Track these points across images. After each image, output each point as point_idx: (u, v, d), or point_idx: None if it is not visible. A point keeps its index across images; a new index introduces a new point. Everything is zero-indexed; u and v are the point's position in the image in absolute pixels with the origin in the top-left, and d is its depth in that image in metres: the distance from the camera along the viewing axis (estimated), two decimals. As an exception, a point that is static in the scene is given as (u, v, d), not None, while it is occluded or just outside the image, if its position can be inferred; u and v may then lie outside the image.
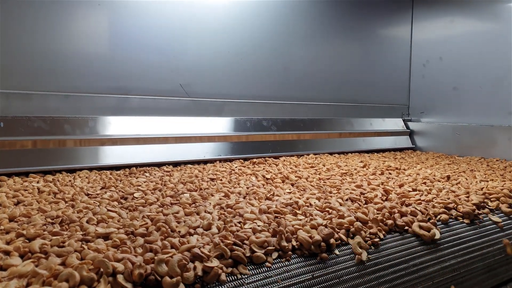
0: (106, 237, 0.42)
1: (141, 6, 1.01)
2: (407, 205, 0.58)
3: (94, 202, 0.56)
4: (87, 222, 0.46)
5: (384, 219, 0.51)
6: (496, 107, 1.17)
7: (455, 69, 1.30)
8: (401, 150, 1.38)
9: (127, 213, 0.51)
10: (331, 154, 1.20)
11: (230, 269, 0.38)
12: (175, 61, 1.06)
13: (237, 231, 0.44)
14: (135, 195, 0.62)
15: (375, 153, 1.27)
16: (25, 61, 0.88)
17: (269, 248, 0.41)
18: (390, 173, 0.88)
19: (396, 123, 1.42)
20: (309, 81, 1.28)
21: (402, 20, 1.47)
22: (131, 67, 1.01)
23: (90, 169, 0.86)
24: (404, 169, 0.94)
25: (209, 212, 0.52)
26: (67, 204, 0.55)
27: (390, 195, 0.64)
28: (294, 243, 0.43)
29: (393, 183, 0.75)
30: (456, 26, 1.30)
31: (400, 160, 1.11)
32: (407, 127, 1.43)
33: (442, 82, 1.35)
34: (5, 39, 0.85)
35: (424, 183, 0.77)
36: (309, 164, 0.99)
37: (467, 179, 0.82)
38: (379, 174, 0.86)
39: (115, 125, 0.96)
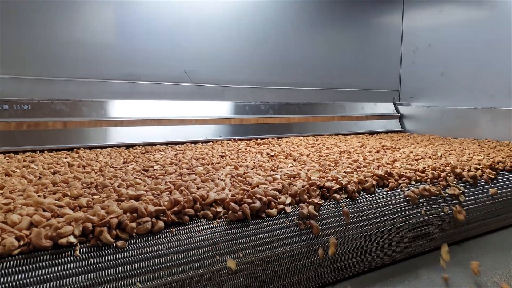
0: (137, 198, 0.47)
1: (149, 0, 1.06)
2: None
3: (120, 172, 0.61)
4: (118, 186, 0.52)
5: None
6: (479, 91, 1.23)
7: (442, 56, 1.35)
8: (391, 132, 1.43)
9: (151, 180, 0.56)
10: (326, 136, 1.25)
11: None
12: (180, 50, 1.11)
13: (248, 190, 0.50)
14: (155, 167, 0.67)
15: (374, 135, 1.32)
16: (48, 51, 0.93)
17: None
18: (385, 151, 0.93)
19: (387, 107, 1.48)
20: (304, 68, 1.33)
21: (394, 9, 1.51)
22: (140, 56, 1.06)
23: (107, 147, 0.92)
24: (399, 148, 0.99)
25: (222, 180, 0.58)
26: (97, 174, 0.61)
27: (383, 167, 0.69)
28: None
29: (388, 158, 0.80)
30: (444, 15, 1.35)
31: (396, 141, 1.17)
32: (398, 111, 1.49)
33: (431, 68, 1.40)
34: (31, 32, 0.90)
35: (416, 160, 0.82)
36: (310, 144, 1.05)
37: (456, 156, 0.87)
38: (375, 152, 0.92)
39: (127, 108, 1.01)
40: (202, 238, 0.41)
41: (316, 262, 0.46)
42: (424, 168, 0.68)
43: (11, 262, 0.33)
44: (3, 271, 0.32)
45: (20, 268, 0.33)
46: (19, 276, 0.32)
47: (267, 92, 1.25)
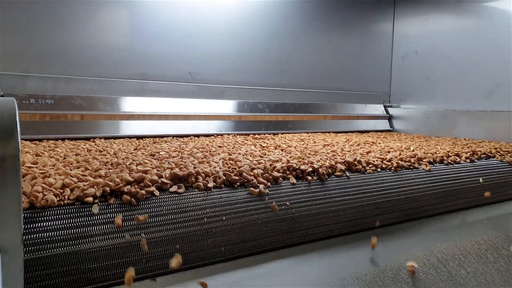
0: (144, 172, 0.58)
1: (158, 6, 1.17)
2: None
3: (131, 156, 0.72)
4: (130, 164, 0.63)
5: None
6: (459, 94, 1.32)
7: (428, 62, 1.45)
8: (381, 131, 1.53)
9: (156, 161, 0.67)
10: (318, 133, 1.36)
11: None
12: (186, 52, 1.22)
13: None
14: (161, 153, 0.78)
15: (363, 134, 1.42)
16: (68, 53, 1.05)
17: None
18: (364, 145, 1.03)
19: (377, 109, 1.58)
20: (300, 71, 1.44)
21: (386, 17, 1.61)
22: (150, 58, 1.17)
23: (120, 137, 1.03)
24: (379, 143, 1.09)
25: (215, 162, 0.68)
26: (111, 156, 0.72)
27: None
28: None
29: (363, 150, 0.90)
30: (429, 24, 1.45)
31: (381, 139, 1.26)
32: (387, 112, 1.58)
33: (418, 72, 1.49)
34: (54, 36, 1.02)
35: (388, 152, 0.92)
36: (301, 139, 1.15)
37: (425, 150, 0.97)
38: (356, 145, 1.02)
39: (138, 104, 1.12)
40: (193, 204, 0.51)
41: (284, 228, 0.56)
42: (391, 158, 0.78)
43: (52, 211, 0.44)
44: (47, 218, 0.43)
45: (58, 216, 0.44)
46: (58, 222, 0.43)
47: (264, 92, 1.35)
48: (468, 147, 0.99)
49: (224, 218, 0.52)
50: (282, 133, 1.29)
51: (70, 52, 1.05)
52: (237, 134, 1.21)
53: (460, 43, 1.33)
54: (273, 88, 1.38)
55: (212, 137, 1.16)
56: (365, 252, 0.59)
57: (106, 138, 1.01)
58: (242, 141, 1.05)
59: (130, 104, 1.10)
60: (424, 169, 0.77)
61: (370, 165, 0.73)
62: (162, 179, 0.53)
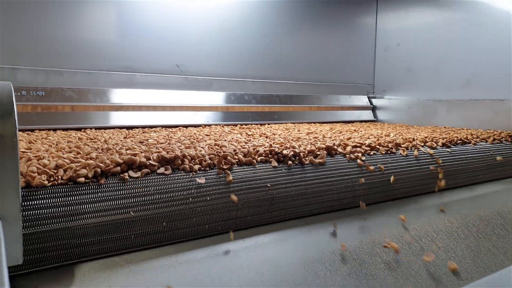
0: (133, 155, 0.61)
1: (146, 2, 1.19)
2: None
3: (121, 142, 0.75)
4: (119, 149, 0.65)
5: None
6: (438, 84, 1.37)
7: (409, 54, 1.49)
8: (365, 122, 1.57)
9: (145, 147, 0.70)
10: (304, 123, 1.39)
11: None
12: (173, 46, 1.25)
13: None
14: (149, 140, 0.81)
15: (348, 124, 1.46)
16: (59, 47, 1.07)
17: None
18: (346, 132, 1.07)
19: (361, 100, 1.62)
20: (286, 64, 1.47)
21: (369, 11, 1.65)
22: (138, 51, 1.20)
23: (110, 128, 1.06)
24: (361, 131, 1.13)
25: (202, 148, 0.71)
26: (102, 143, 0.74)
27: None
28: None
29: (344, 137, 0.94)
30: (410, 18, 1.49)
31: (364, 128, 1.31)
32: (371, 103, 1.63)
33: (400, 64, 1.54)
34: (45, 30, 1.04)
35: (369, 137, 0.96)
36: (286, 129, 1.18)
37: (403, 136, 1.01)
38: (338, 133, 1.06)
39: (126, 95, 1.15)
40: (179, 185, 0.55)
41: (265, 208, 0.60)
42: (370, 143, 0.82)
43: (45, 190, 0.47)
44: (40, 196, 0.46)
45: (51, 195, 0.46)
46: (51, 200, 0.46)
47: (251, 84, 1.39)
48: (446, 134, 1.04)
49: (208, 199, 0.55)
50: (268, 124, 1.33)
51: (60, 46, 1.07)
52: (225, 125, 1.24)
53: (439, 35, 1.37)
54: (259, 80, 1.41)
55: (200, 127, 1.18)
56: (344, 230, 0.63)
57: (96, 128, 1.03)
58: (229, 131, 1.08)
59: (119, 95, 1.12)
60: (402, 154, 0.81)
61: (349, 149, 0.76)
62: (150, 161, 0.56)
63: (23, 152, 0.58)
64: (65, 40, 1.07)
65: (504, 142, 1.01)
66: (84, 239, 0.46)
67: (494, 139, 1.01)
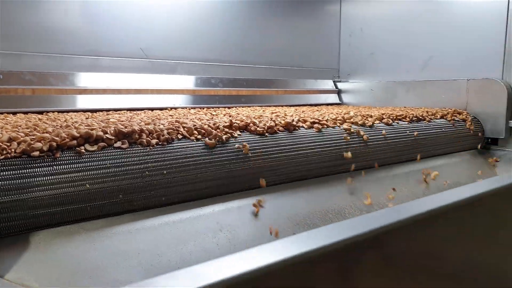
0: (91, 130, 0.61)
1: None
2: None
3: (81, 120, 0.75)
4: (79, 126, 0.65)
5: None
6: (398, 67, 1.42)
7: (371, 38, 1.53)
8: (330, 105, 1.61)
9: (106, 123, 0.70)
10: (271, 106, 1.41)
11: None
12: (137, 29, 1.24)
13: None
14: (111, 120, 0.81)
15: (314, 107, 1.49)
16: (17, 29, 1.04)
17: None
18: (308, 113, 1.09)
19: (327, 84, 1.65)
20: (253, 48, 1.48)
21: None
22: (102, 35, 1.18)
23: (73, 111, 1.04)
24: (323, 111, 1.15)
25: (162, 124, 0.72)
26: (62, 122, 0.74)
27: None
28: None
29: (305, 114, 0.96)
30: (372, 5, 1.53)
31: (328, 109, 1.33)
32: (336, 87, 1.66)
33: (363, 49, 1.58)
34: (6, 14, 1.01)
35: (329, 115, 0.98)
36: (252, 110, 1.20)
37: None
38: (301, 112, 1.08)
39: (90, 79, 1.13)
40: (136, 159, 0.55)
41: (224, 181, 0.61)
42: (313, 120, 0.84)
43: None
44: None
45: (3, 168, 0.46)
46: (3, 173, 0.46)
47: (218, 68, 1.39)
48: (402, 111, 1.08)
49: (164, 172, 0.56)
50: (236, 107, 1.34)
51: (20, 29, 1.04)
52: (191, 108, 1.24)
53: (399, 20, 1.41)
54: (226, 64, 1.41)
55: (166, 110, 1.18)
56: (298, 198, 0.65)
57: (59, 111, 1.02)
58: (194, 112, 1.09)
59: (82, 79, 1.11)
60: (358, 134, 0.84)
61: (306, 124, 0.79)
62: (107, 135, 0.56)
63: (-23, 128, 0.57)
64: (25, 23, 1.04)
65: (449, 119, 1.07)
66: (38, 210, 0.47)
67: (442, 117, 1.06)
